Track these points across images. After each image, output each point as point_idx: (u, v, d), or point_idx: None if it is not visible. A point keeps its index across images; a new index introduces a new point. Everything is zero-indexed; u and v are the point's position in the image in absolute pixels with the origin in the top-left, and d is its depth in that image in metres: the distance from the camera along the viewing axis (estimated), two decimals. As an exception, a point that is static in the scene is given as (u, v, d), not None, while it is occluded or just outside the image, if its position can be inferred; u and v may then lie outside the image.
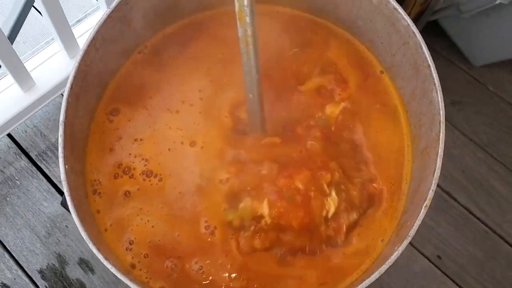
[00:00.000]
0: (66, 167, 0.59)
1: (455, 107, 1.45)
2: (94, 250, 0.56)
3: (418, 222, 0.55)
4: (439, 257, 1.25)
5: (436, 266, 1.24)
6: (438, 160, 0.55)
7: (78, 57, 0.64)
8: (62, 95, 1.35)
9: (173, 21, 0.76)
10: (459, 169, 1.35)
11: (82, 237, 0.59)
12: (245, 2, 0.54)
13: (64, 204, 0.75)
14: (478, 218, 1.29)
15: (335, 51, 0.71)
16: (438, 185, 1.31)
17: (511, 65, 1.49)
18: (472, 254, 1.25)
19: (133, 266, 0.62)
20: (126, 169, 0.67)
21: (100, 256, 0.55)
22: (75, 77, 0.63)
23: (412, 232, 0.55)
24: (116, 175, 0.67)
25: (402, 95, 0.67)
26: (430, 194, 0.55)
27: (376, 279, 0.53)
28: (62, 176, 0.59)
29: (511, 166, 1.36)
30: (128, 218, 0.65)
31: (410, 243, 1.20)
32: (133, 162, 0.67)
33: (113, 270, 0.54)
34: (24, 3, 1.30)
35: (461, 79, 1.49)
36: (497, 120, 1.43)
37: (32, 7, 1.34)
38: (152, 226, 0.64)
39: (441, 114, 0.57)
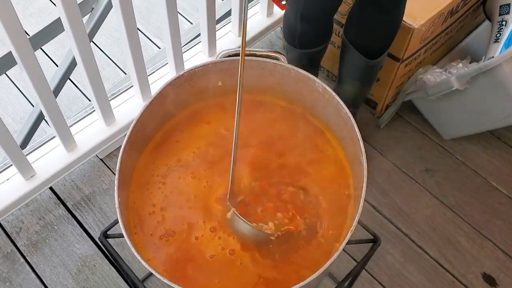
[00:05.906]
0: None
1: (428, 174, 1.69)
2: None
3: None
4: (411, 301, 1.45)
5: (408, 309, 1.44)
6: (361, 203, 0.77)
7: (131, 126, 0.88)
8: (97, 156, 1.62)
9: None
10: (430, 227, 1.58)
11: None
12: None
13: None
14: (445, 269, 1.50)
15: (303, 129, 0.97)
16: (411, 240, 1.55)
17: (476, 138, 1.74)
18: (440, 300, 1.45)
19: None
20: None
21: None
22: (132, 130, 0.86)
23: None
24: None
25: (348, 158, 0.92)
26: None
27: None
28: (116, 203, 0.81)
29: (474, 225, 1.58)
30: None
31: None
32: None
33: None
34: (62, 75, 1.65)
35: (433, 149, 1.74)
36: (464, 185, 1.66)
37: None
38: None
39: (364, 172, 0.80)
